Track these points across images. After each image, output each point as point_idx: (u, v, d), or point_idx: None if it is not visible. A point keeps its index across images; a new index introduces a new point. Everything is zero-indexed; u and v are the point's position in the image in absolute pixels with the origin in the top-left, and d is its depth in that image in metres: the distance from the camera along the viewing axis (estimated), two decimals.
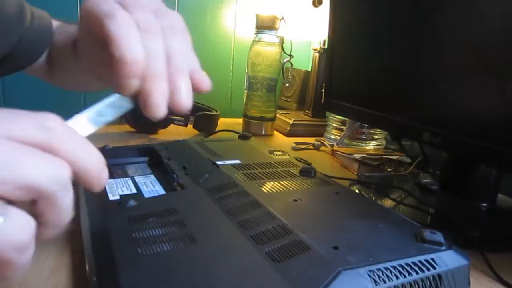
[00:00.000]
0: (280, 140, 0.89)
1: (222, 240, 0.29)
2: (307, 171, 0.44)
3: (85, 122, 0.25)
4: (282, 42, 0.90)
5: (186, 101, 0.28)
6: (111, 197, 0.39)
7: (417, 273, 0.26)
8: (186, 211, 0.34)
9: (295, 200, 0.36)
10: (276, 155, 0.52)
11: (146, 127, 0.80)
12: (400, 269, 0.26)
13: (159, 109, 0.26)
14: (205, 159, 0.48)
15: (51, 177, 0.19)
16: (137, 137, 0.77)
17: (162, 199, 0.39)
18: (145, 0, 0.28)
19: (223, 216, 0.33)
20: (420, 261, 0.26)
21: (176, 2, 1.07)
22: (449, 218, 0.42)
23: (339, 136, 0.82)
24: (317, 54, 0.97)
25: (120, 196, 0.40)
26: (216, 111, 0.91)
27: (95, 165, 0.21)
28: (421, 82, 0.49)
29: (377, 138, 0.81)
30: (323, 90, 0.72)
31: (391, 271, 0.25)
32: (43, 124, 0.20)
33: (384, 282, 0.25)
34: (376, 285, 0.24)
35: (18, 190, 0.18)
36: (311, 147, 0.81)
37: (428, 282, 0.26)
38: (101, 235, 0.30)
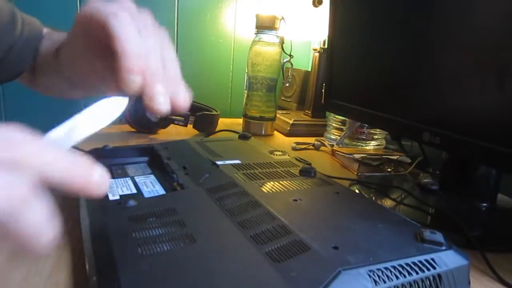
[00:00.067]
0: (280, 140, 0.89)
1: (222, 240, 0.29)
2: (307, 171, 0.44)
3: (67, 133, 0.24)
4: (282, 42, 0.90)
5: (186, 98, 0.30)
6: (111, 197, 0.39)
7: (417, 273, 0.26)
8: (186, 211, 0.34)
9: (295, 200, 0.36)
10: (276, 155, 0.52)
11: (146, 127, 0.80)
12: (400, 269, 0.26)
13: (163, 105, 0.28)
14: (205, 159, 0.48)
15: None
16: (137, 137, 0.77)
17: (162, 199, 0.39)
18: (143, 14, 0.30)
19: (223, 216, 0.33)
20: (420, 261, 0.26)
21: (176, 2, 1.07)
22: (449, 218, 0.42)
23: (339, 136, 0.82)
24: (317, 54, 0.97)
25: (120, 196, 0.40)
26: (216, 111, 0.91)
27: (72, 171, 0.20)
28: (421, 82, 0.49)
29: (377, 138, 0.81)
30: (323, 90, 0.72)
31: (391, 271, 0.25)
32: (2, 136, 0.18)
33: (384, 282, 0.25)
34: (376, 285, 0.24)
35: None
36: (311, 147, 0.81)
37: (428, 282, 0.26)
38: (101, 235, 0.30)
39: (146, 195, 0.41)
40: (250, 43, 0.89)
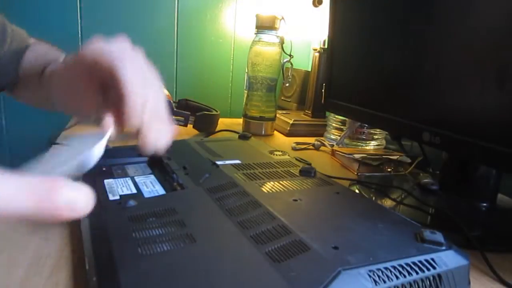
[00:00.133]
0: (280, 140, 0.89)
1: (222, 240, 0.29)
2: (307, 171, 0.44)
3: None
4: (282, 42, 0.90)
5: (169, 141, 0.33)
6: (111, 197, 0.39)
7: (417, 273, 0.26)
8: (186, 211, 0.34)
9: (295, 200, 0.36)
10: (276, 155, 0.52)
11: None
12: (400, 269, 0.26)
13: (153, 148, 0.32)
14: (205, 159, 0.48)
15: None
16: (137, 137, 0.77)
17: (162, 199, 0.39)
18: (138, 54, 0.33)
19: (223, 216, 0.33)
20: (420, 261, 0.26)
21: (176, 2, 1.07)
22: (449, 218, 0.42)
23: (339, 136, 0.82)
24: (317, 54, 0.97)
25: (120, 196, 0.40)
26: (216, 111, 0.91)
27: (35, 201, 0.18)
28: (421, 82, 0.49)
29: (377, 138, 0.81)
30: (323, 90, 0.72)
31: (391, 271, 0.25)
32: None
33: (384, 282, 0.25)
34: (376, 285, 0.24)
35: None
36: (311, 147, 0.81)
37: (428, 282, 0.26)
38: (101, 235, 0.30)
39: (146, 195, 0.41)
40: (250, 43, 0.89)
